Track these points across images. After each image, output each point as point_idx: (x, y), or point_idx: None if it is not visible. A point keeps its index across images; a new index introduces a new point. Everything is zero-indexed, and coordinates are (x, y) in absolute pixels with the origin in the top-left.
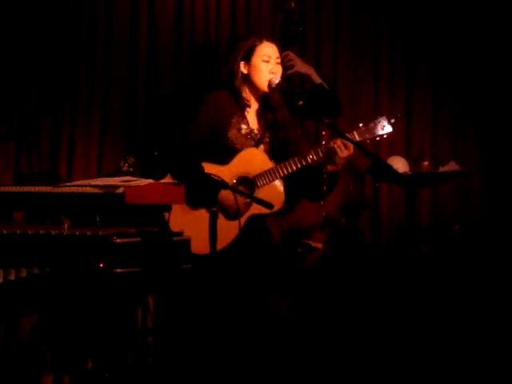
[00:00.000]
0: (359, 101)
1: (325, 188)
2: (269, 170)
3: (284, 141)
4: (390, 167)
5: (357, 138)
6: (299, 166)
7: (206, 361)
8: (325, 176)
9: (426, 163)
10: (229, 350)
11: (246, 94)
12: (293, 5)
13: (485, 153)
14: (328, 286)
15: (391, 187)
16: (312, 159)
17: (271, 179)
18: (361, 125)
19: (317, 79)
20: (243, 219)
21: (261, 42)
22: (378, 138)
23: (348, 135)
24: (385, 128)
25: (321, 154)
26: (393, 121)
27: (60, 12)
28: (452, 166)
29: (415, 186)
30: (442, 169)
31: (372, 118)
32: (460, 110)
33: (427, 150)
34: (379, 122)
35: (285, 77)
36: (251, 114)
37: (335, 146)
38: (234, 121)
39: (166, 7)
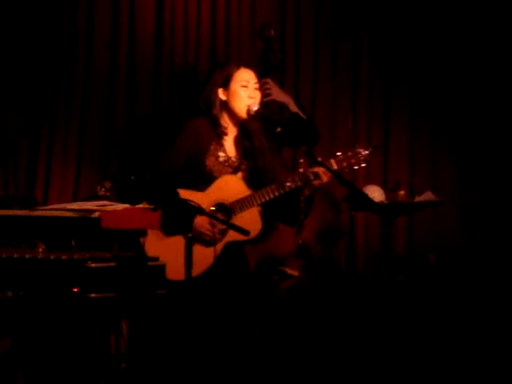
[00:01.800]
0: (337, 128)
1: (302, 216)
2: (246, 198)
3: (262, 168)
4: (366, 196)
5: (334, 166)
6: (277, 193)
7: None
8: (302, 203)
9: (402, 192)
10: (204, 376)
11: (224, 121)
12: (272, 33)
13: (461, 182)
14: (303, 314)
15: (367, 216)
16: (289, 187)
17: (248, 206)
18: (339, 153)
19: (293, 108)
20: (219, 246)
21: (238, 68)
22: (355, 167)
23: (325, 163)
24: (362, 158)
25: (298, 182)
26: (370, 150)
27: (39, 37)
28: (428, 196)
29: (391, 215)
30: (417, 198)
31: (350, 147)
32: (437, 139)
33: (404, 180)
34: (357, 152)
35: (263, 104)
36: (229, 142)
37: (312, 173)
38: (211, 148)
39: (145, 32)
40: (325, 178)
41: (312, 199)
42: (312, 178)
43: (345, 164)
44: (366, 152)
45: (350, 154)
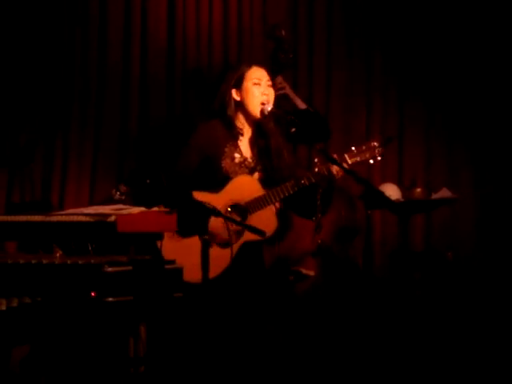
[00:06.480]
0: (352, 122)
1: (319, 214)
2: (261, 197)
3: (277, 168)
4: (382, 194)
5: (348, 161)
6: (291, 191)
7: None
8: (318, 201)
9: (418, 190)
10: (222, 379)
11: (239, 121)
12: (283, 32)
13: (477, 178)
14: (319, 314)
15: (384, 214)
16: (304, 184)
17: (263, 206)
18: (353, 148)
19: (302, 105)
20: (235, 247)
21: (250, 67)
22: (370, 161)
23: (339, 157)
24: (376, 151)
25: (313, 180)
26: (384, 143)
27: (53, 47)
28: (444, 193)
29: (408, 213)
30: (434, 195)
31: (364, 141)
32: (452, 135)
33: (420, 177)
34: (371, 145)
35: (277, 104)
36: (244, 142)
37: (327, 171)
38: (227, 150)
39: (158, 35)
40: (340, 174)
41: (330, 198)
42: (326, 173)
43: (359, 158)
44: (381, 145)
45: (364, 147)
